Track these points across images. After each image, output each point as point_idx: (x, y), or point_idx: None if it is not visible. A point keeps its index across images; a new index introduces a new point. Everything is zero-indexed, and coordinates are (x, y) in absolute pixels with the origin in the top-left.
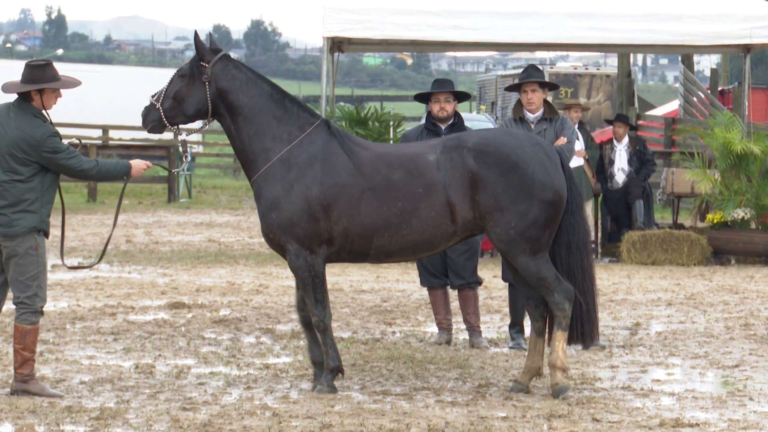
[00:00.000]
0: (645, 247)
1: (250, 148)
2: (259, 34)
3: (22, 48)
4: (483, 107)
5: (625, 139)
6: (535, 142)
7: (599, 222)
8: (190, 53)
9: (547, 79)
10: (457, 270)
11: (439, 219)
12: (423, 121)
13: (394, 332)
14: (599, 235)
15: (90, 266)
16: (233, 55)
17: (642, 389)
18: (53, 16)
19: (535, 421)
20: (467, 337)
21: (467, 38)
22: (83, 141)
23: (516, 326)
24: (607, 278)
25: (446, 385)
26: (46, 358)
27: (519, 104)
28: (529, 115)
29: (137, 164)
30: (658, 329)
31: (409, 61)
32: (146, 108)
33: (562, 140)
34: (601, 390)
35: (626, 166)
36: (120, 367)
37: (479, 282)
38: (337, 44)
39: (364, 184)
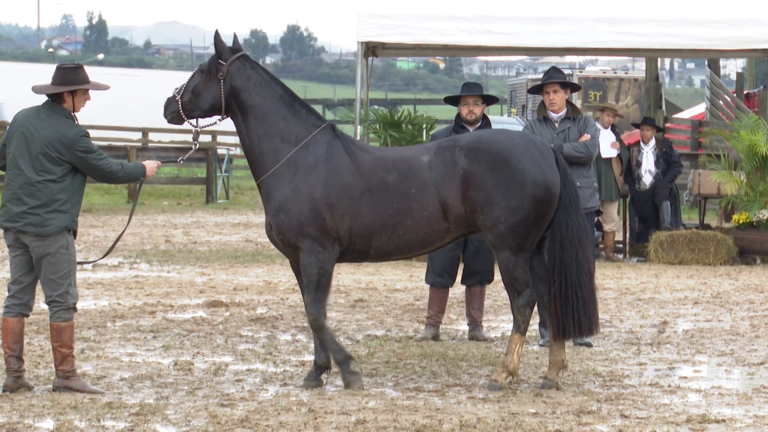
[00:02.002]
0: (672, 247)
1: (258, 148)
2: (295, 39)
3: (63, 53)
4: (514, 110)
5: (652, 142)
6: (527, 138)
7: (627, 223)
8: None
9: (576, 82)
10: (471, 269)
11: (432, 218)
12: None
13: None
14: (627, 235)
15: (92, 262)
16: (269, 59)
17: (669, 386)
18: (94, 22)
19: (565, 417)
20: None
21: (498, 43)
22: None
23: (545, 324)
24: (636, 277)
25: (478, 381)
26: (87, 356)
27: (542, 105)
28: (553, 115)
29: (150, 164)
30: (685, 327)
31: (442, 65)
32: (168, 99)
33: (586, 137)
34: (630, 387)
35: (653, 168)
36: (159, 364)
37: (490, 280)
38: (371, 49)
39: (363, 185)
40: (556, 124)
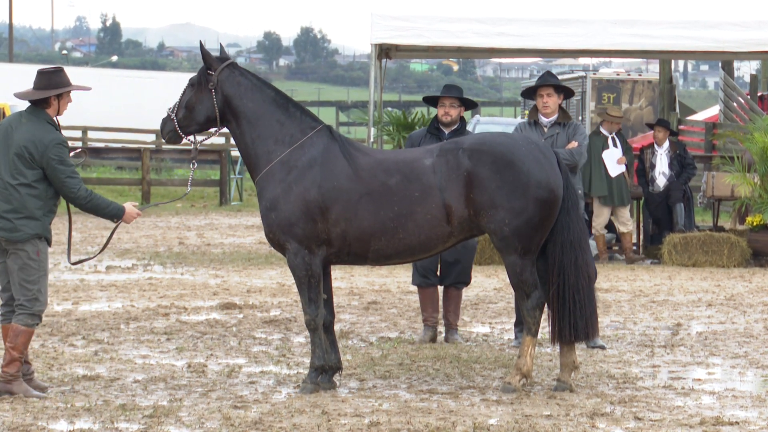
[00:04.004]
0: (686, 249)
1: (253, 151)
2: (309, 41)
3: (77, 55)
4: (527, 112)
5: (666, 144)
6: (530, 141)
7: (641, 225)
8: (240, 60)
9: (590, 85)
10: (448, 270)
11: (434, 221)
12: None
13: (440, 332)
14: (641, 237)
15: (90, 258)
16: (282, 61)
17: (683, 388)
18: (108, 24)
19: (578, 420)
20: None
21: (512, 45)
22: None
23: None
24: (649, 279)
25: (491, 384)
26: (101, 358)
27: (534, 108)
28: (543, 119)
29: (131, 210)
30: (699, 329)
31: (455, 68)
32: (163, 120)
33: (573, 144)
34: (643, 389)
35: (667, 170)
36: (173, 366)
37: (465, 283)
38: (384, 51)
39: (361, 188)
40: (545, 129)
